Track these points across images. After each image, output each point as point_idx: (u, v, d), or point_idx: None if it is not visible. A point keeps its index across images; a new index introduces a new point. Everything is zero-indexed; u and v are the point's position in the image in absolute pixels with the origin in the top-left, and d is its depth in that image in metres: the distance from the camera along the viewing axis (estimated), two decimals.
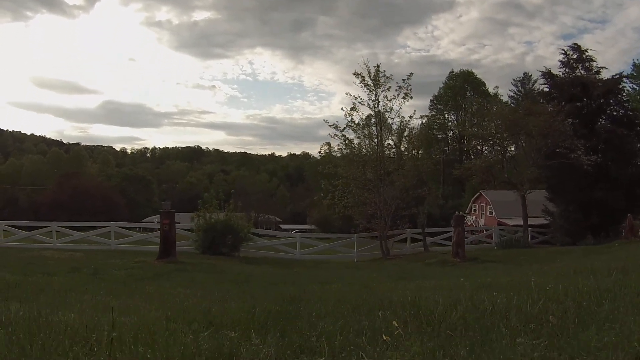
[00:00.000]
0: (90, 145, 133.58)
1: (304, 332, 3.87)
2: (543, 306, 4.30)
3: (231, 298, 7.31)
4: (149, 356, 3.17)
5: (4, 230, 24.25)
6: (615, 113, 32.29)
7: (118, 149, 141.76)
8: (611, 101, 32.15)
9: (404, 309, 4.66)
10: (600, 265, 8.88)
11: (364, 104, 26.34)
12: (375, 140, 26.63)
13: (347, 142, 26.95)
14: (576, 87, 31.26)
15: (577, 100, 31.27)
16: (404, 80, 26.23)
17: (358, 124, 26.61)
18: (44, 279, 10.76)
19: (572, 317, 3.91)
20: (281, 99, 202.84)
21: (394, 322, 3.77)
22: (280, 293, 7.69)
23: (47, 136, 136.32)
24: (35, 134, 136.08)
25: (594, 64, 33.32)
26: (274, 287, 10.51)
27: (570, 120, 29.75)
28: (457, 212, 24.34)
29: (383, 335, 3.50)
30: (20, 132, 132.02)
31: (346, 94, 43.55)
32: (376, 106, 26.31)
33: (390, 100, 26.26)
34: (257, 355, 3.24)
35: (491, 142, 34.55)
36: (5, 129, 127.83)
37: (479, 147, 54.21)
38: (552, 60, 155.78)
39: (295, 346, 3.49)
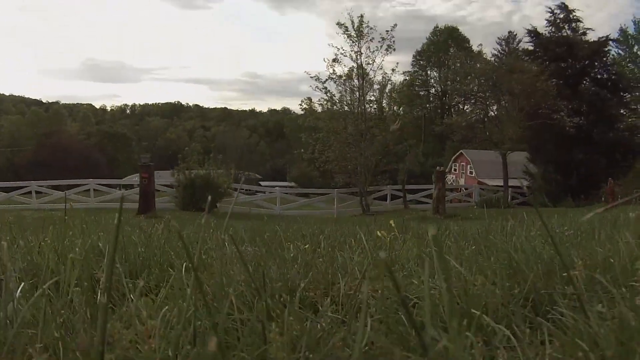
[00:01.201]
0: (69, 104, 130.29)
1: None
2: None
3: None
4: None
5: None
6: (599, 76, 32.20)
7: (98, 107, 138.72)
8: (596, 63, 31.95)
9: None
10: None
11: (346, 56, 26.03)
12: (357, 93, 26.36)
13: (328, 94, 26.66)
14: (561, 47, 31.04)
15: (562, 60, 31.05)
16: (387, 31, 25.91)
17: (340, 77, 26.29)
18: None
19: None
20: (264, 52, 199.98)
21: None
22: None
23: (26, 96, 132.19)
24: (14, 94, 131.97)
25: (581, 24, 33.01)
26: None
27: (554, 80, 29.25)
28: (438, 167, 24.27)
29: None
30: None
31: (328, 44, 42.86)
32: (358, 58, 26.02)
33: (373, 52, 26.02)
34: None
35: (473, 101, 34.32)
36: None
37: (460, 105, 54.03)
38: (539, 20, 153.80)
39: None
